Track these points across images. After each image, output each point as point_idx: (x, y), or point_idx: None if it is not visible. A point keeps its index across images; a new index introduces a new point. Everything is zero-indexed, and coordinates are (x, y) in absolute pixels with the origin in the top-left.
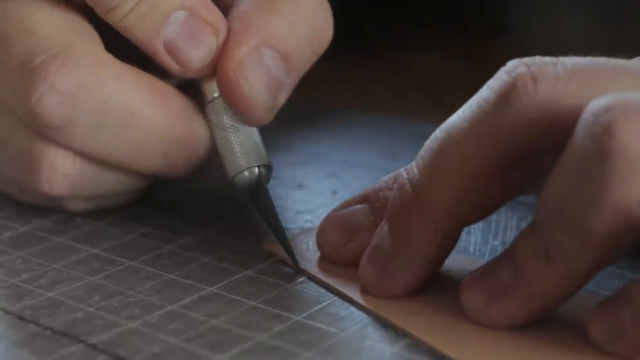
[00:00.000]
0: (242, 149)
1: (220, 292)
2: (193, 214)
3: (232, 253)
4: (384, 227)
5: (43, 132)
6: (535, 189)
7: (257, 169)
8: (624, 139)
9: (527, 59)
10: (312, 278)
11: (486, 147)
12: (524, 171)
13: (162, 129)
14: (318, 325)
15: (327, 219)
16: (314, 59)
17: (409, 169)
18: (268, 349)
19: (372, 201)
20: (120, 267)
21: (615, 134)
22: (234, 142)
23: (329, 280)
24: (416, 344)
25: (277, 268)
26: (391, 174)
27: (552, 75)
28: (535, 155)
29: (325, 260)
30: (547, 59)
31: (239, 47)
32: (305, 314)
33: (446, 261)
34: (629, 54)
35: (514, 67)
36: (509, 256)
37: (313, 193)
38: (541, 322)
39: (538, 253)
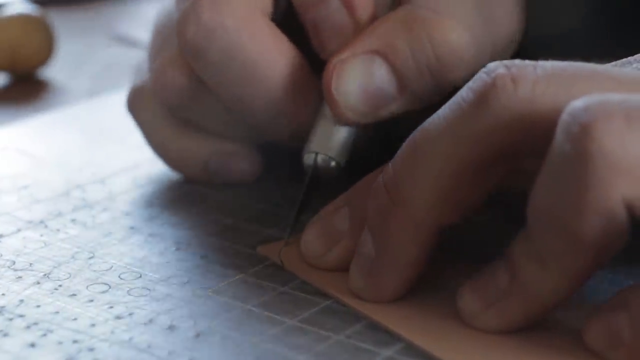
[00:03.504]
0: (322, 135)
1: (214, 295)
2: (187, 216)
3: (227, 256)
4: (366, 232)
5: (183, 53)
6: (515, 188)
7: (316, 156)
8: (602, 139)
9: (507, 62)
10: (306, 282)
11: (464, 147)
12: (503, 172)
13: (275, 96)
14: (312, 328)
15: (308, 227)
16: (435, 91)
17: (384, 171)
18: (262, 352)
19: (353, 203)
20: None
21: (593, 135)
22: (324, 127)
23: (323, 285)
24: (410, 348)
25: (271, 271)
26: (373, 172)
27: (532, 77)
28: (514, 156)
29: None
30: (527, 62)
31: (354, 46)
32: (299, 317)
33: None
34: (626, 56)
35: (494, 69)
36: (505, 261)
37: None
38: (536, 327)
39: (532, 258)
